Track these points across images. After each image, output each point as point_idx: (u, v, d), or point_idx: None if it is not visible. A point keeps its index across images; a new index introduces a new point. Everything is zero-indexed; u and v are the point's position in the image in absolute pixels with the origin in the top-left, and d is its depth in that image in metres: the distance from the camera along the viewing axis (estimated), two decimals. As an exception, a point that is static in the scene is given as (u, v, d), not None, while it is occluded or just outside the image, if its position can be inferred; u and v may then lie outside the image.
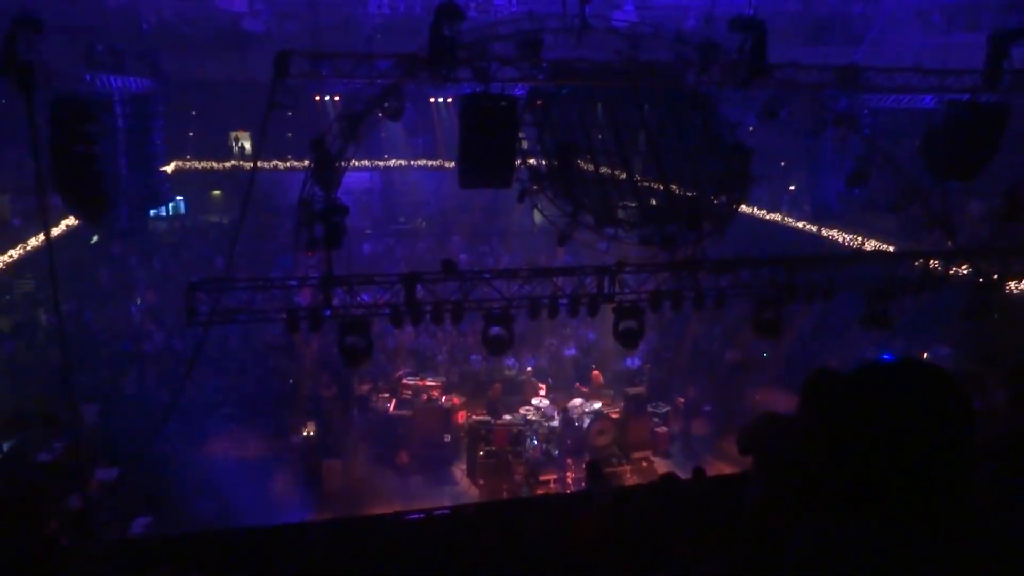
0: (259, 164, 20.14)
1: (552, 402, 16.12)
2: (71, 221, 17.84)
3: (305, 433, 15.11)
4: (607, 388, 17.34)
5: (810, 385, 3.99)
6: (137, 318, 19.11)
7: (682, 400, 16.55)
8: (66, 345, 12.96)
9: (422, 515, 9.35)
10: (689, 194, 12.35)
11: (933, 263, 12.76)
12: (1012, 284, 14.10)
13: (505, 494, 13.81)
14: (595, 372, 17.04)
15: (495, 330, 10.94)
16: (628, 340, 11.60)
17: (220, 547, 8.16)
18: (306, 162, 10.40)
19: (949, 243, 12.93)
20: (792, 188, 22.94)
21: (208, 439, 15.21)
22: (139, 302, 20.14)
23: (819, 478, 1.68)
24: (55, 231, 17.57)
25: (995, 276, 12.76)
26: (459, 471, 15.20)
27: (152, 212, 22.44)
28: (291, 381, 16.33)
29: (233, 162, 26.46)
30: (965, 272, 13.21)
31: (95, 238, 21.70)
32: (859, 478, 1.55)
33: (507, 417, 15.24)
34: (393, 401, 16.01)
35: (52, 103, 8.68)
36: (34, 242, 17.40)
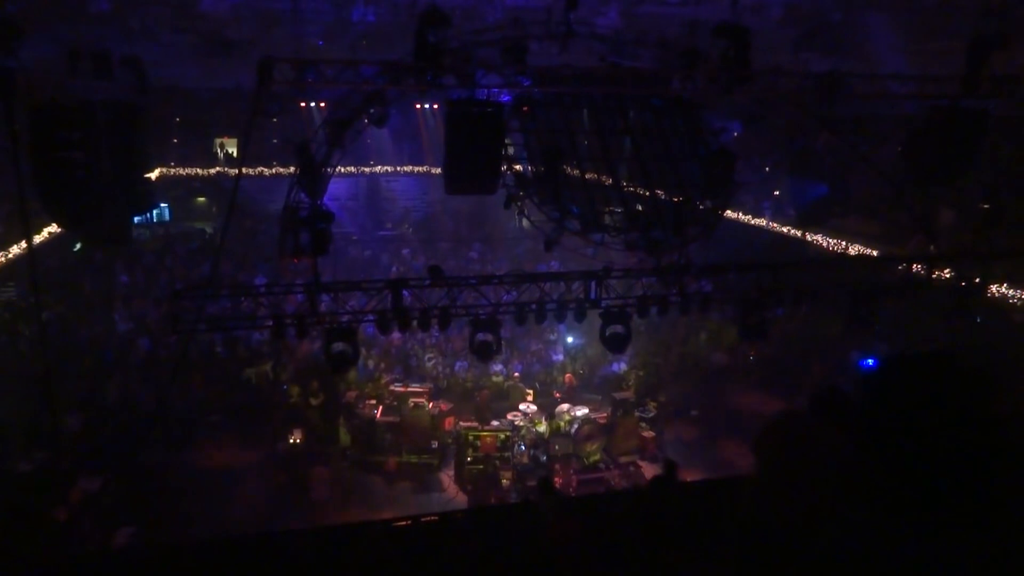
0: (244, 171, 20.07)
1: (539, 408, 16.12)
2: (54, 228, 17.69)
3: (292, 440, 15.03)
4: (592, 393, 17.39)
5: (818, 402, 4.00)
6: (121, 325, 18.95)
7: (655, 405, 16.55)
8: (48, 353, 12.83)
9: (409, 522, 9.32)
10: (674, 199, 12.41)
11: (916, 267, 12.88)
12: (993, 287, 14.26)
13: (493, 500, 13.79)
14: (567, 375, 17.05)
15: (482, 336, 10.94)
16: (615, 345, 11.63)
17: (206, 557, 8.09)
18: (292, 169, 10.37)
19: (931, 247, 13.05)
20: (776, 193, 23.12)
21: (193, 447, 15.12)
22: (123, 309, 19.96)
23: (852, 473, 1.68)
24: (38, 238, 17.42)
25: (976, 279, 12.89)
26: (447, 477, 15.16)
27: (136, 219, 22.31)
28: (284, 387, 16.25)
29: (218, 169, 26.36)
30: (947, 276, 13.34)
31: (78, 245, 21.53)
32: (894, 471, 1.55)
33: (494, 423, 15.23)
34: (380, 408, 15.96)
35: (33, 110, 8.61)
36: (16, 250, 17.23)
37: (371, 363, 17.35)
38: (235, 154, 26.46)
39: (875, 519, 1.61)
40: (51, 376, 12.87)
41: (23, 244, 16.62)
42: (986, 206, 12.39)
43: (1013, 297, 14.72)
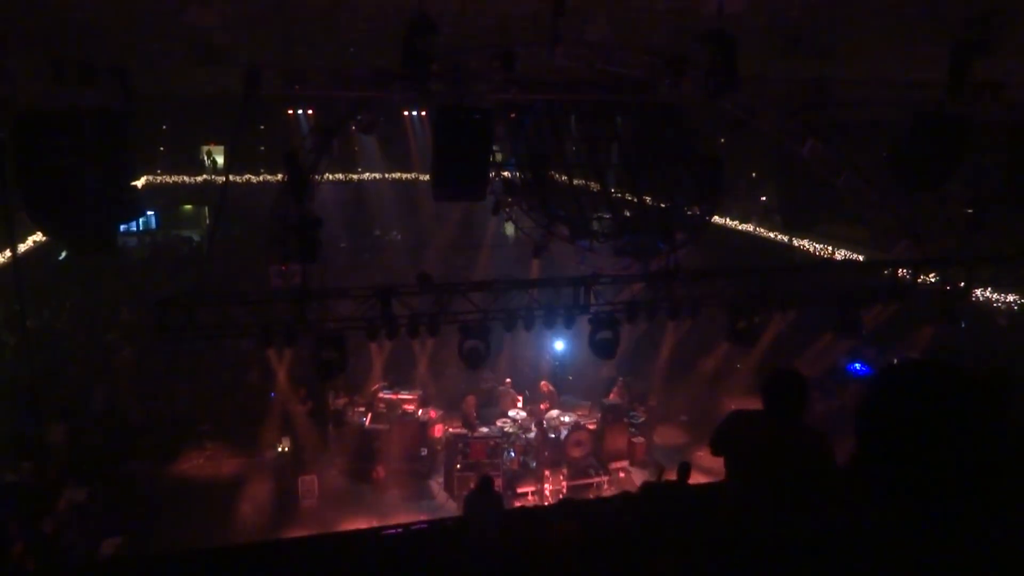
0: (231, 178, 20.00)
1: (529, 414, 16.11)
2: (39, 237, 17.55)
3: (280, 449, 14.96)
4: (581, 399, 17.41)
5: (771, 385, 4.05)
6: (107, 334, 18.81)
7: (643, 409, 16.62)
8: (34, 363, 12.73)
9: (399, 530, 9.31)
10: (662, 205, 12.46)
11: (902, 271, 12.97)
12: (978, 291, 14.39)
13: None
14: (543, 383, 17.08)
15: (471, 343, 10.93)
16: (604, 351, 11.64)
17: (193, 567, 8.04)
18: (280, 175, 10.35)
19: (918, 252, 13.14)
20: (763, 199, 23.24)
21: (180, 456, 15.01)
22: (109, 319, 19.83)
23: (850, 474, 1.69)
24: (23, 247, 17.27)
25: (961, 284, 13.01)
26: (436, 485, 15.12)
27: (123, 227, 22.16)
28: (273, 395, 16.18)
29: (205, 176, 26.27)
30: (933, 280, 13.45)
31: (64, 254, 21.38)
32: (894, 473, 1.55)
33: (484, 429, 15.20)
34: (369, 415, 15.90)
35: (18, 119, 8.55)
36: (0, 258, 17.07)
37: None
38: (222, 161, 26.37)
39: (872, 524, 1.62)
40: (36, 386, 12.77)
41: (7, 252, 16.48)
42: (970, 211, 12.51)
43: (997, 301, 14.86)
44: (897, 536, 1.56)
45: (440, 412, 16.44)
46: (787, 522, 3.02)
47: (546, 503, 13.97)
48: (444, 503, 14.42)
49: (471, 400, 15.82)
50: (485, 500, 9.47)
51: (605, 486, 14.84)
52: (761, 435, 3.99)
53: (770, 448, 3.91)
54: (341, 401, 16.17)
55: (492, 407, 16.45)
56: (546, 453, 14.91)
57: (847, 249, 18.48)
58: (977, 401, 1.53)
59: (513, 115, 11.56)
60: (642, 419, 16.34)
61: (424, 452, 15.50)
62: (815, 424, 4.07)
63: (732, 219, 22.91)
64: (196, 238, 26.84)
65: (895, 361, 1.64)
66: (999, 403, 1.55)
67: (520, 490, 14.22)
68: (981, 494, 1.51)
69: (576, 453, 14.98)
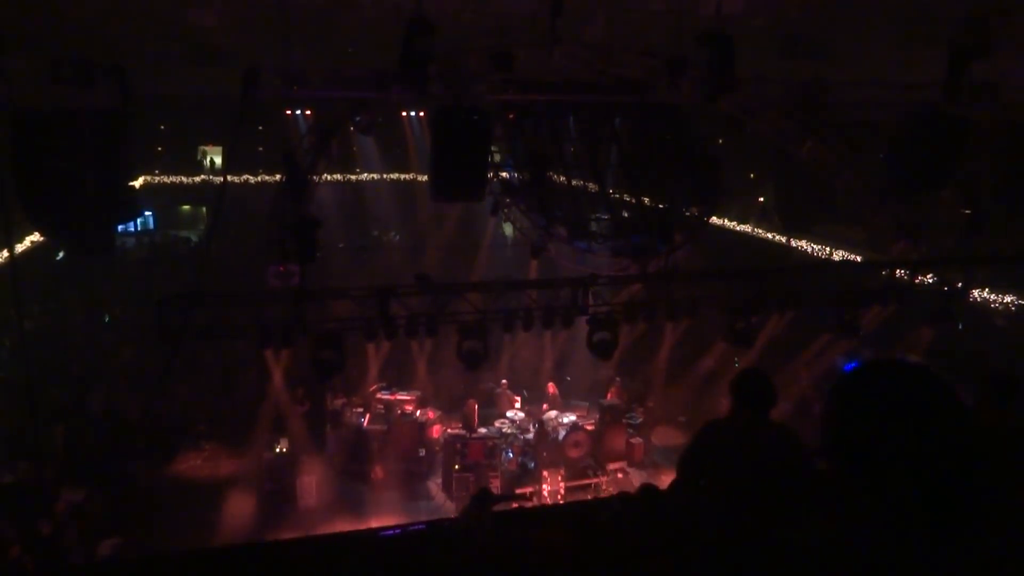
0: (229, 178, 19.97)
1: (527, 415, 16.10)
2: (36, 237, 17.53)
3: (278, 449, 14.95)
4: (579, 399, 17.41)
5: (740, 385, 4.09)
6: (105, 334, 18.79)
7: (642, 410, 16.64)
8: (31, 363, 12.70)
9: (397, 531, 9.29)
10: (661, 206, 12.47)
11: (899, 272, 12.99)
12: (976, 292, 14.41)
13: (481, 508, 13.73)
14: (550, 384, 17.10)
15: (469, 343, 10.93)
16: (602, 351, 11.65)
17: (192, 567, 8.02)
18: (278, 176, 10.36)
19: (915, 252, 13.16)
20: (761, 200, 23.24)
21: (179, 456, 15.00)
22: (107, 319, 19.83)
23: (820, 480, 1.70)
24: (20, 247, 17.25)
25: (959, 284, 13.02)
26: (434, 485, 15.11)
27: (120, 227, 22.15)
28: (274, 400, 16.16)
29: (203, 176, 26.24)
30: (931, 281, 13.46)
31: (62, 254, 21.35)
32: (862, 475, 1.56)
33: (482, 430, 15.20)
34: (367, 416, 15.89)
35: (15, 118, 8.54)
36: (-2, 259, 17.04)
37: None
38: (220, 162, 26.36)
39: (845, 525, 1.63)
40: (34, 386, 12.74)
41: (4, 253, 16.46)
42: (967, 212, 12.52)
43: (995, 302, 14.87)
44: (867, 534, 1.57)
45: (438, 413, 16.43)
46: (767, 522, 3.03)
47: (545, 504, 13.97)
48: (442, 504, 14.42)
49: (472, 403, 15.82)
50: (478, 511, 9.46)
51: (603, 487, 14.84)
52: (735, 438, 4.04)
53: (743, 448, 3.96)
54: (339, 402, 16.16)
55: (490, 408, 16.46)
56: (544, 454, 14.91)
57: (845, 250, 18.49)
58: (939, 402, 1.53)
59: (511, 116, 11.56)
60: (640, 420, 16.34)
61: (422, 453, 15.49)
62: (815, 425, 4.11)
63: (730, 220, 22.91)
64: (194, 238, 26.81)
65: (863, 362, 1.65)
66: (963, 403, 1.56)
67: (519, 491, 14.21)
68: (948, 494, 1.51)
69: (574, 454, 14.98)
